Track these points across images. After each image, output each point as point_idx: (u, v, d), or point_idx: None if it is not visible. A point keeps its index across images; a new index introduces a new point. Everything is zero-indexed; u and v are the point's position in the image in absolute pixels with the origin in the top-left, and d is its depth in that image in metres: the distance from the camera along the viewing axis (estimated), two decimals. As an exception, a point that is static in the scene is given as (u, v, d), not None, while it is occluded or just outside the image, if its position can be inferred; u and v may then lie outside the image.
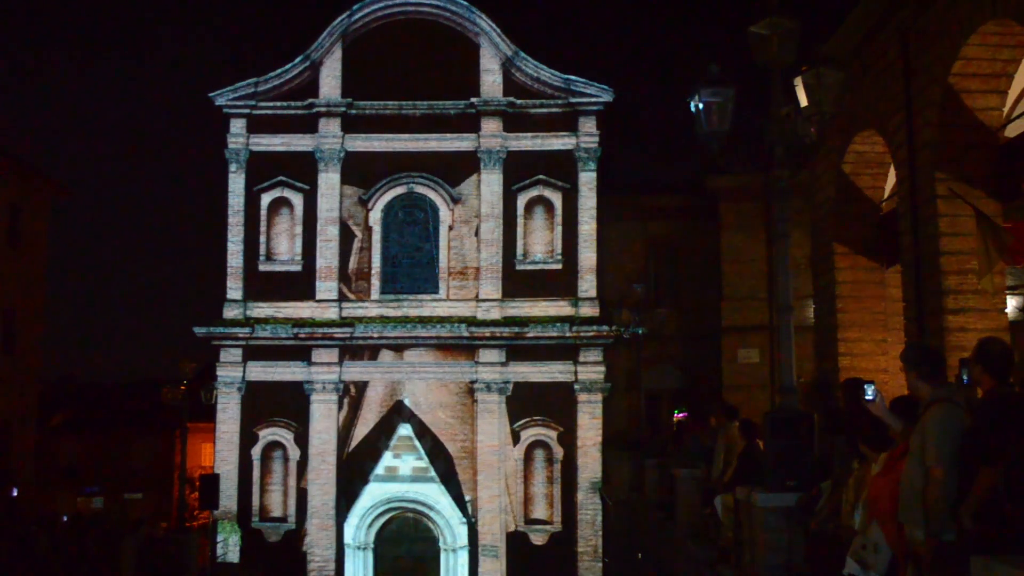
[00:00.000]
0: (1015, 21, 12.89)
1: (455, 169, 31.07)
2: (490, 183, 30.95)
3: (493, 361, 30.34)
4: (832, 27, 17.62)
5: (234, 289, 30.99)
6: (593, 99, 30.90)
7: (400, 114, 31.22)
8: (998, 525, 5.47)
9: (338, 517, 29.83)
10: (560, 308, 30.49)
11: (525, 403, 30.17)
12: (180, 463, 29.23)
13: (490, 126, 31.07)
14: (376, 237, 31.23)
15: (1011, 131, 14.01)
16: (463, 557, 29.63)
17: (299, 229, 31.16)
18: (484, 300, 30.63)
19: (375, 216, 31.26)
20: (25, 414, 30.77)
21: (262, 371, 30.68)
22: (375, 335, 30.46)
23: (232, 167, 31.39)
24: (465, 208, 31.06)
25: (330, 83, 31.44)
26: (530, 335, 30.21)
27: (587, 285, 30.53)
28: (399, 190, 31.30)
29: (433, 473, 29.59)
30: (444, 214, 31.20)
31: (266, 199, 31.29)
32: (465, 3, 31.45)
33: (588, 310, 30.34)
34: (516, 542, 29.84)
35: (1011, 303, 14.91)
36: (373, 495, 29.68)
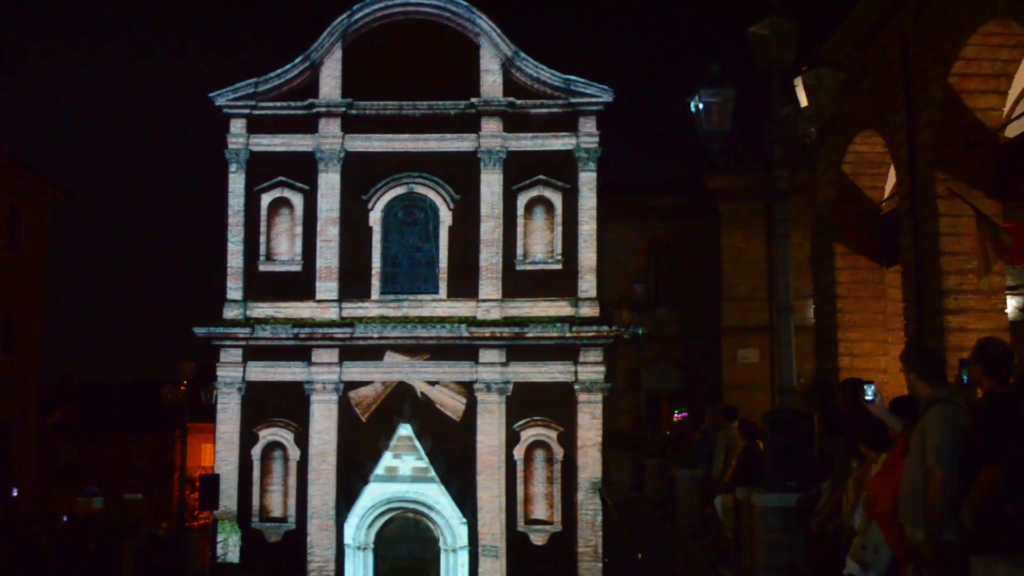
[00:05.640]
0: (1015, 21, 12.89)
1: (455, 169, 31.07)
2: (490, 183, 30.95)
3: (493, 361, 30.34)
4: (832, 27, 17.64)
5: (234, 289, 30.99)
6: (593, 99, 30.89)
7: (400, 114, 31.22)
8: (998, 525, 5.47)
9: (338, 517, 29.84)
10: (560, 308, 30.48)
11: (525, 403, 30.16)
12: (180, 463, 29.31)
13: (490, 126, 31.08)
14: (376, 237, 31.23)
15: (1011, 131, 14.01)
16: (463, 557, 29.63)
17: (299, 229, 31.16)
18: (484, 300, 30.63)
19: (375, 216, 31.26)
20: (25, 414, 30.75)
21: (262, 371, 30.67)
22: (375, 335, 30.46)
23: (232, 167, 31.39)
24: (465, 208, 31.04)
25: (330, 83, 31.44)
26: (530, 335, 30.21)
27: (587, 285, 30.53)
28: (399, 190, 31.30)
29: (433, 473, 29.59)
30: (444, 214, 31.20)
31: (266, 199, 31.30)
32: (465, 3, 31.45)
33: (588, 310, 30.34)
34: (516, 542, 29.84)
35: (1011, 303, 14.92)
36: (373, 495, 29.68)
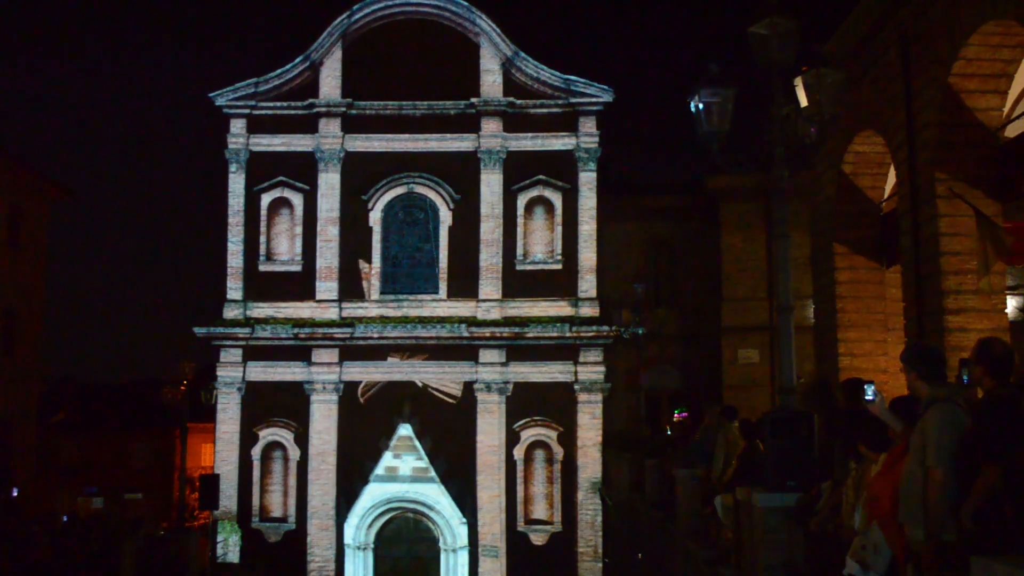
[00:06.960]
0: (1015, 21, 12.89)
1: (455, 169, 31.07)
2: (490, 183, 30.95)
3: (493, 361, 30.34)
4: (832, 27, 17.65)
5: (234, 289, 30.99)
6: (593, 99, 30.89)
7: (400, 114, 31.22)
8: (998, 525, 5.47)
9: (338, 517, 29.83)
10: (560, 308, 30.49)
11: (525, 403, 30.17)
12: (180, 463, 29.33)
13: (490, 126, 31.07)
14: (376, 237, 31.23)
15: (1011, 131, 14.02)
16: (463, 557, 29.63)
17: (299, 229, 31.17)
18: (484, 300, 30.63)
19: (375, 216, 31.26)
20: (25, 414, 30.74)
21: (262, 371, 30.67)
22: (375, 335, 30.46)
23: (232, 167, 31.40)
24: (465, 208, 31.04)
25: (330, 83, 31.44)
26: (530, 335, 30.21)
27: (587, 285, 30.53)
28: (399, 190, 31.30)
29: (433, 473, 29.59)
30: (444, 214, 31.20)
31: (266, 199, 31.30)
32: (465, 3, 31.45)
33: (588, 310, 30.34)
34: (516, 542, 29.84)
35: (1011, 303, 14.92)
36: (373, 495, 29.69)
